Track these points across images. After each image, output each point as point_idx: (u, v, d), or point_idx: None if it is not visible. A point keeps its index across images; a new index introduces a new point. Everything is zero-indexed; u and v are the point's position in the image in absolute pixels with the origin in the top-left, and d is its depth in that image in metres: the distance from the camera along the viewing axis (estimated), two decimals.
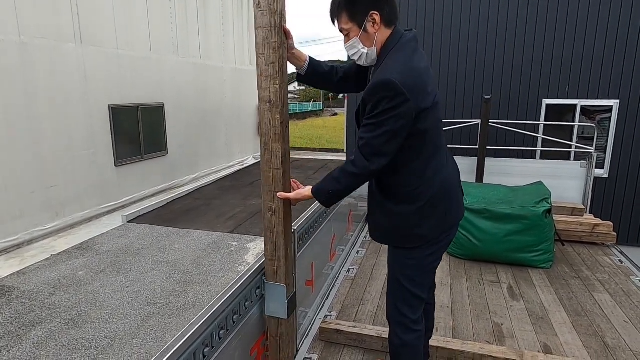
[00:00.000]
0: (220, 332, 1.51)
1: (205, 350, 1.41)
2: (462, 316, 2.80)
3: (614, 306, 2.92)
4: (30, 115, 6.71)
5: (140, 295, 5.14)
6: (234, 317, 1.60)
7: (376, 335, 2.44)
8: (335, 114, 43.83)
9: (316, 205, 2.66)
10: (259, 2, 1.50)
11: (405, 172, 1.68)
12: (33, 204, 6.87)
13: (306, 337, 2.55)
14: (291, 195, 1.73)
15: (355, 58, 1.70)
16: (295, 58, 1.83)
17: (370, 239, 4.20)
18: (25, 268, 5.91)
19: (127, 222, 7.88)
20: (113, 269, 5.88)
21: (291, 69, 1.88)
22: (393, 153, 1.59)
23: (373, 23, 1.60)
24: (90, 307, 4.85)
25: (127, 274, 5.72)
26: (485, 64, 7.10)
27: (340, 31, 1.67)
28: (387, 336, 2.42)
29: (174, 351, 1.23)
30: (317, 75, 1.93)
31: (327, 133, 27.25)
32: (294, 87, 46.40)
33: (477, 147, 5.07)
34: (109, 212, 8.37)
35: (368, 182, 1.95)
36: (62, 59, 7.23)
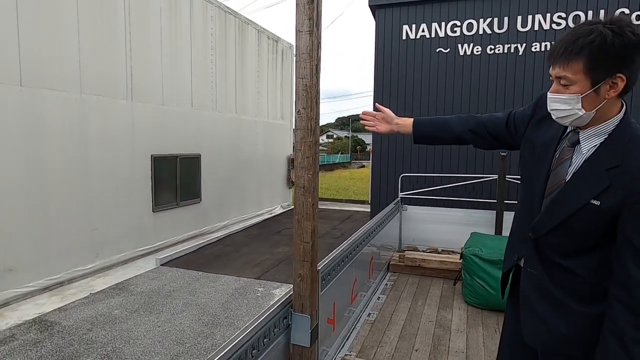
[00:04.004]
0: (253, 352, 1.77)
1: None
2: None
3: None
4: (84, 162, 7.41)
5: (170, 335, 5.39)
6: (264, 340, 1.87)
7: None
8: (363, 166, 44.49)
9: (339, 248, 2.94)
10: (299, 110, 1.84)
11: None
12: (77, 245, 7.39)
13: None
14: None
15: (559, 115, 1.30)
16: (402, 127, 1.85)
17: (391, 285, 4.35)
18: (66, 305, 6.30)
19: (161, 265, 8.27)
20: (146, 309, 6.19)
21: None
22: None
23: (611, 87, 1.22)
24: (124, 344, 5.12)
25: (159, 314, 6.01)
26: None
27: (556, 77, 1.27)
28: None
29: None
30: (426, 135, 1.85)
31: (354, 184, 27.66)
32: (322, 139, 47.69)
33: (496, 201, 5.26)
34: (143, 255, 8.81)
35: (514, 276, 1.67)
36: (115, 113, 8.03)
